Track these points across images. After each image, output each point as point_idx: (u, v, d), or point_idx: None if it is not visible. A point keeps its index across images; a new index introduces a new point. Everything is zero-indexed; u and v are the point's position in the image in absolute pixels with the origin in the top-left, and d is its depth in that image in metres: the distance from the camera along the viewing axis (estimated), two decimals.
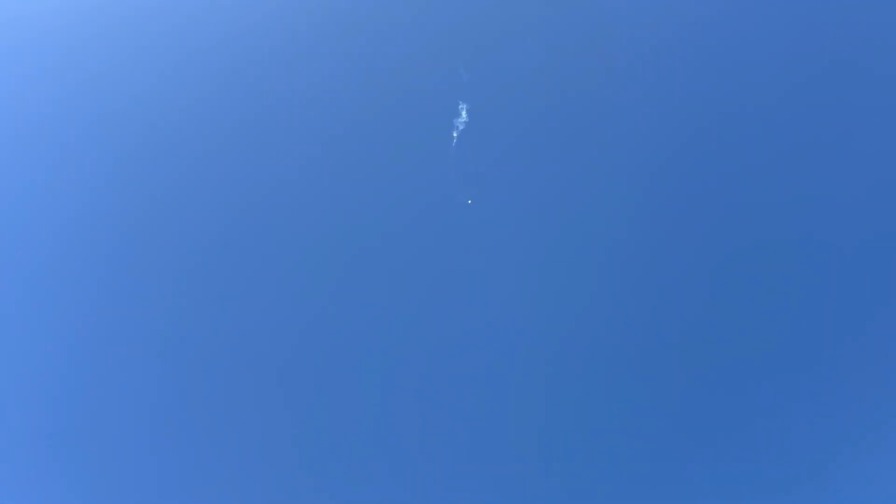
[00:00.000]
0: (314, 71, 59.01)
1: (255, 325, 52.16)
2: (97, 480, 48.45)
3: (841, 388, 47.86)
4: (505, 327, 51.45)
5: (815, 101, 55.36)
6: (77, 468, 48.84)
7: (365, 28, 60.09)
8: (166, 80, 59.23)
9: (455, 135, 53.49)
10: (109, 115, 58.38)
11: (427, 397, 50.30)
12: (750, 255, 51.72)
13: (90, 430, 49.66)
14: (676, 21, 58.55)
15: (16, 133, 57.90)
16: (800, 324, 49.55)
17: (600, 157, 55.22)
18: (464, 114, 54.18)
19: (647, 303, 51.51)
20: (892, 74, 54.18)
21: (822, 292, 50.05)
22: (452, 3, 60.61)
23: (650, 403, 49.04)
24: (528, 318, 51.71)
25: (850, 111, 54.11)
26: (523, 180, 54.73)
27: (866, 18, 56.03)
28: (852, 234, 51.04)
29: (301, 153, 56.69)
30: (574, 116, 56.57)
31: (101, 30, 61.26)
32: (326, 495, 47.95)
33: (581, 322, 51.45)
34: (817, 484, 45.80)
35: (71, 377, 50.93)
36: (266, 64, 59.71)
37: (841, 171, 52.97)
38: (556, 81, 57.33)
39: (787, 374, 48.48)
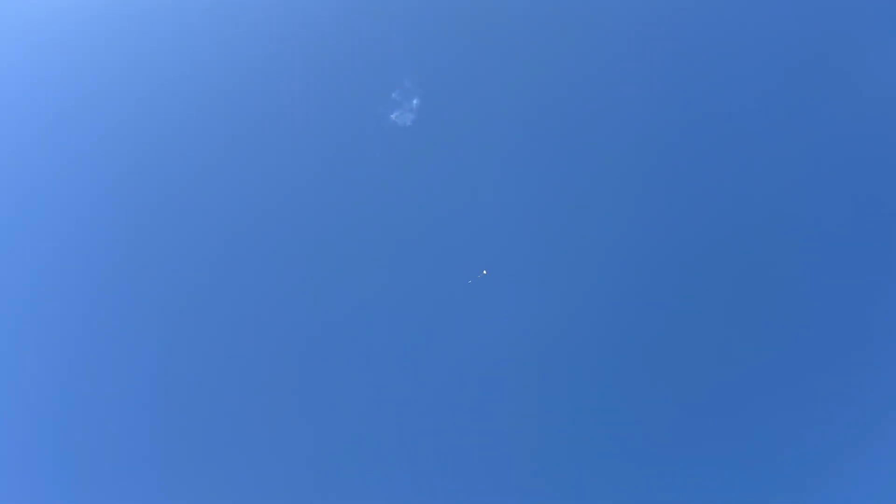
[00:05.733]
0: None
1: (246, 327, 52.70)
2: (96, 480, 48.94)
3: (840, 389, 48.14)
4: (497, 324, 51.68)
5: (801, 99, 55.55)
6: (76, 469, 49.34)
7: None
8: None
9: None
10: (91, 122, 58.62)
11: (424, 399, 50.63)
12: (744, 252, 51.97)
13: (93, 431, 50.22)
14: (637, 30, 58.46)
15: (16, 135, 58.36)
16: (796, 327, 49.69)
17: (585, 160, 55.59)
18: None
19: (637, 305, 51.76)
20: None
21: (820, 294, 50.23)
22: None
23: (645, 406, 49.36)
24: (524, 318, 51.96)
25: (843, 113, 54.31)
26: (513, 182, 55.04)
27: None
28: (848, 233, 51.22)
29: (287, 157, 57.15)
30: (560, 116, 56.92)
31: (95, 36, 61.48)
32: (326, 494, 48.36)
33: (576, 323, 51.72)
34: (813, 484, 46.10)
35: (74, 378, 51.40)
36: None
37: (837, 169, 53.14)
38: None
39: (784, 375, 48.71)
